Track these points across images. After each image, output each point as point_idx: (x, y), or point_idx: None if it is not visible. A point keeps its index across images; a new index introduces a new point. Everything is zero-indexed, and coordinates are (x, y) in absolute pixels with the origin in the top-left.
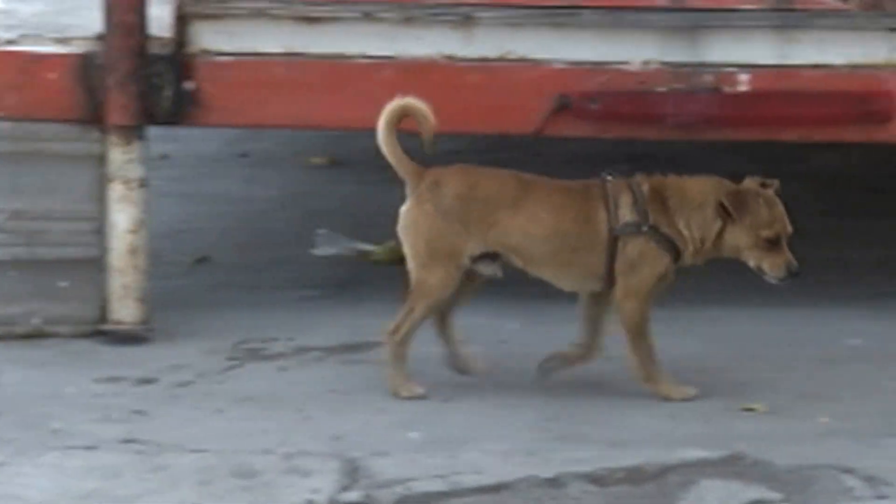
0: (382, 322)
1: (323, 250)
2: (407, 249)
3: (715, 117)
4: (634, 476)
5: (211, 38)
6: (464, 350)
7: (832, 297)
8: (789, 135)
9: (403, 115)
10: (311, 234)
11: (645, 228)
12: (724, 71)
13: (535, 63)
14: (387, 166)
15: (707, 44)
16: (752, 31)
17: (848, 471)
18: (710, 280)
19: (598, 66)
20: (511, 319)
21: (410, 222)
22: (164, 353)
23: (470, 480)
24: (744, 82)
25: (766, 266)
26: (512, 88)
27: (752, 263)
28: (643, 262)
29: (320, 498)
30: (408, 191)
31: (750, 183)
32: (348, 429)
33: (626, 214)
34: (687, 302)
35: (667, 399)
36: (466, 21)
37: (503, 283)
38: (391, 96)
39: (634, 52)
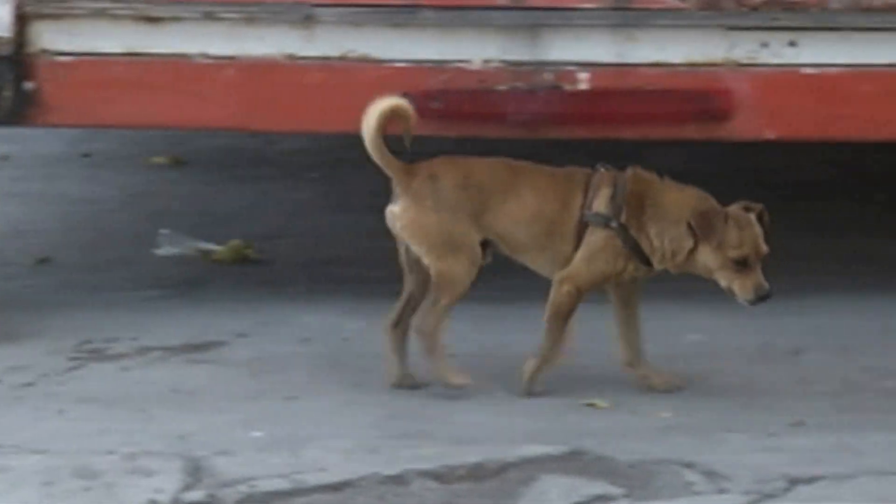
0: (416, 321)
1: (165, 250)
2: (416, 247)
3: (555, 115)
4: (476, 473)
5: (51, 37)
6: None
7: (672, 292)
8: (629, 132)
9: (392, 116)
10: (154, 234)
11: (614, 224)
12: (564, 69)
13: (377, 62)
14: (231, 165)
15: (547, 42)
16: (592, 29)
17: (689, 465)
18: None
19: (439, 65)
20: (355, 318)
21: (411, 221)
22: (6, 354)
23: (313, 478)
24: (583, 80)
25: (735, 287)
26: (354, 87)
27: (722, 284)
28: (599, 256)
29: (163, 498)
30: (397, 190)
31: (734, 207)
32: (191, 428)
33: (601, 205)
34: (532, 298)
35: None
36: (307, 20)
37: (346, 281)
38: (233, 96)
39: (475, 50)
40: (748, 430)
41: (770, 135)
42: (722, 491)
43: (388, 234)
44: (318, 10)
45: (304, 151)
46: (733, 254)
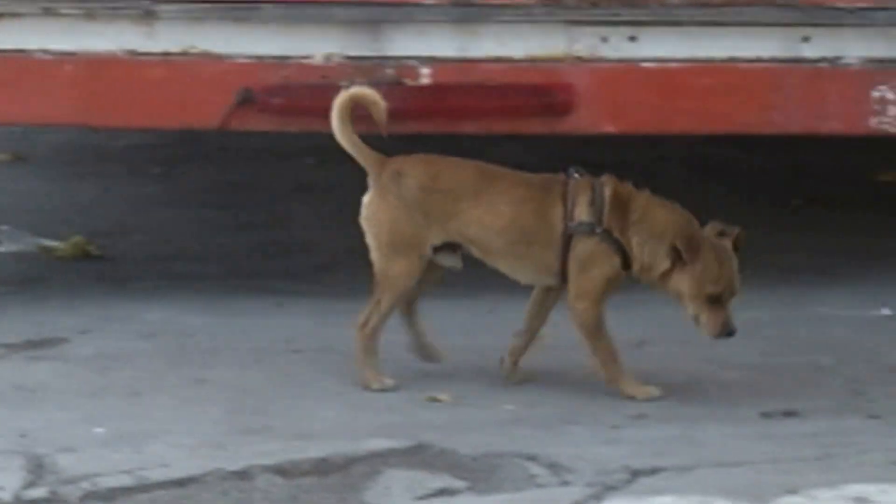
0: (352, 315)
1: (6, 247)
2: (369, 240)
3: (397, 110)
4: (321, 467)
5: None
6: (428, 339)
7: (512, 287)
8: (471, 127)
9: (354, 105)
10: None
11: (598, 230)
12: (405, 64)
13: (218, 57)
14: (72, 162)
15: (389, 37)
16: (434, 24)
17: (532, 458)
18: None
19: (280, 60)
20: (198, 314)
21: (372, 213)
22: None
23: (157, 475)
24: (425, 75)
25: (703, 319)
26: (195, 83)
27: (690, 312)
28: (593, 263)
29: (5, 495)
30: (369, 181)
31: (709, 230)
32: (33, 425)
33: (582, 213)
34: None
35: (631, 399)
36: (148, 16)
37: (189, 277)
38: (73, 91)
39: (317, 45)
40: (591, 423)
41: (611, 129)
42: (565, 483)
43: (231, 230)
44: (159, 6)
45: (147, 147)
46: (710, 289)
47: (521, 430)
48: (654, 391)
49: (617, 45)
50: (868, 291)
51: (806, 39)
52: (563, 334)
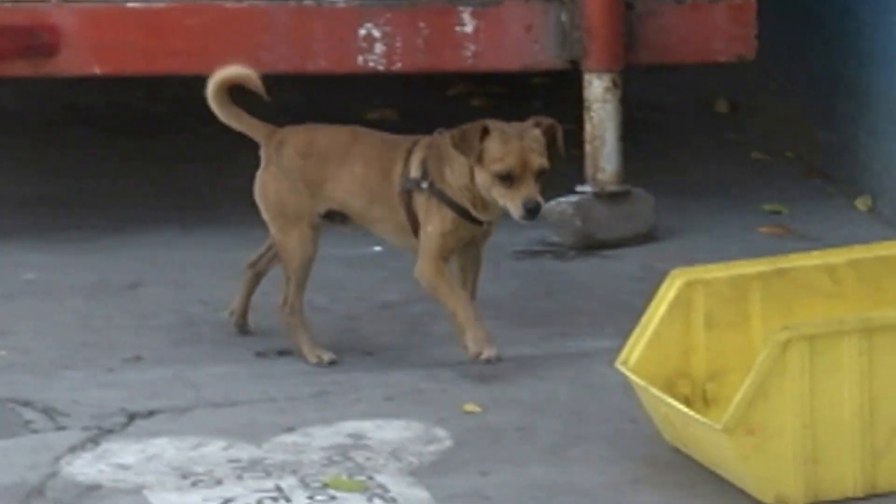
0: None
1: None
2: (264, 215)
3: None
4: None
5: None
6: None
7: (7, 231)
8: None
9: (228, 83)
10: None
11: (424, 185)
12: None
13: None
14: None
15: None
16: None
17: (26, 404)
18: None
19: None
20: None
21: (261, 185)
22: None
23: None
24: None
25: (507, 204)
26: None
27: (500, 204)
28: (427, 219)
29: None
30: (261, 154)
31: (528, 122)
32: None
33: (413, 170)
34: None
35: (476, 356)
36: None
37: None
38: None
39: None
40: (86, 367)
41: (98, 70)
42: (61, 428)
43: None
44: None
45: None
46: (497, 167)
47: (15, 376)
48: (495, 352)
49: None
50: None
51: None
52: (54, 279)
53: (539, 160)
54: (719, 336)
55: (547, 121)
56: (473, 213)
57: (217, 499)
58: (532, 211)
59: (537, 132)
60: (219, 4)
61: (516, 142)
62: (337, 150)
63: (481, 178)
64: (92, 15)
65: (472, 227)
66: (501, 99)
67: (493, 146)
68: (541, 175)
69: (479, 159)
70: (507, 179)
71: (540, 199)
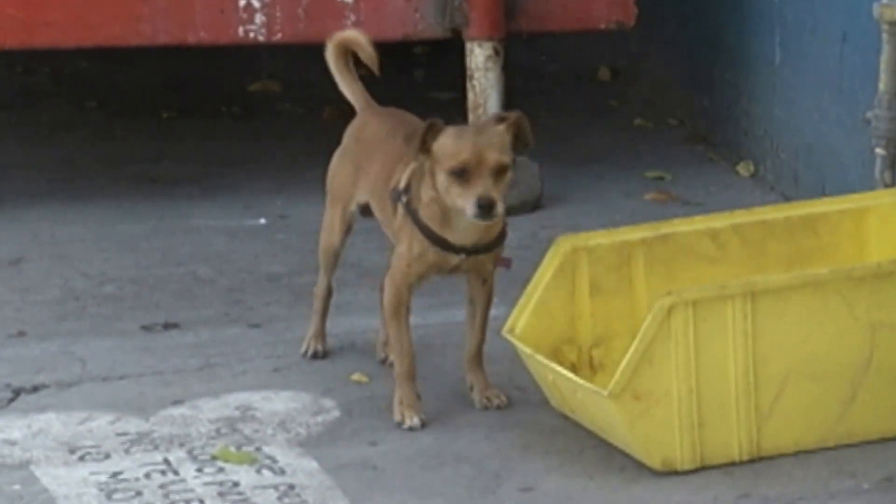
0: None
1: None
2: None
3: None
4: None
5: None
6: None
7: None
8: None
9: (344, 47)
10: None
11: (403, 200)
12: None
13: None
14: None
15: None
16: None
17: None
18: None
19: None
20: None
21: (333, 159)
22: None
23: None
24: None
25: (462, 203)
26: None
27: (458, 206)
28: (398, 239)
29: None
30: None
31: (490, 117)
32: None
33: (403, 181)
34: None
35: (400, 422)
36: None
37: None
38: None
39: None
40: None
41: None
42: None
43: None
44: None
45: None
46: (449, 163)
47: None
48: (417, 421)
49: None
50: (243, 202)
51: None
52: None
53: (496, 156)
54: (604, 302)
55: (512, 115)
56: (440, 233)
57: (105, 472)
58: (483, 208)
59: (500, 128)
60: None
61: (471, 137)
62: (374, 142)
63: (439, 180)
64: None
65: (445, 255)
66: (383, 69)
67: (447, 142)
68: (500, 172)
69: (436, 159)
70: (462, 176)
71: (495, 195)
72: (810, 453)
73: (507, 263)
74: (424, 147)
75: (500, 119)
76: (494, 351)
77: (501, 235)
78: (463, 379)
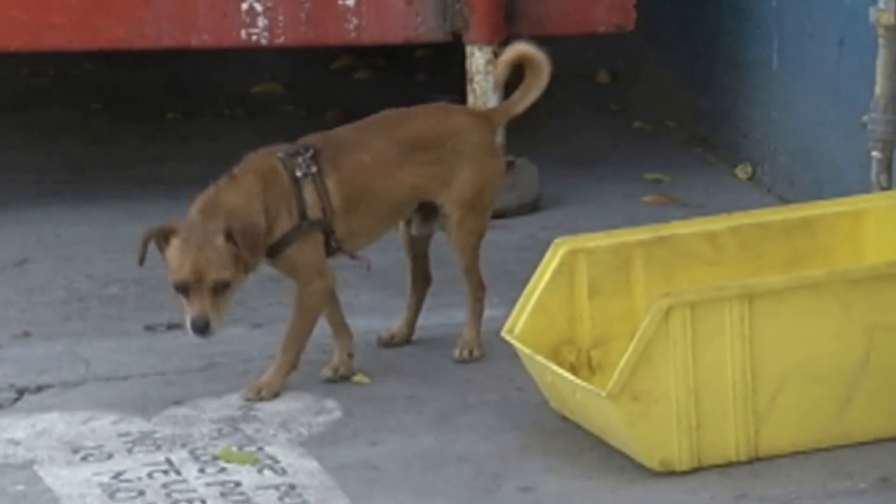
0: None
1: None
2: None
3: None
4: None
5: None
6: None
7: None
8: None
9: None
10: None
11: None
12: None
13: None
14: None
15: None
16: None
17: None
18: None
19: None
20: None
21: None
22: None
23: None
24: None
25: (183, 316)
26: None
27: (183, 318)
28: None
29: None
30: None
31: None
32: None
33: None
34: None
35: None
36: None
37: None
38: None
39: None
40: None
41: None
42: None
43: None
44: None
45: None
46: (171, 279)
47: None
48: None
49: None
50: None
51: None
52: None
53: (215, 273)
54: (603, 303)
55: (234, 226)
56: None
57: (108, 472)
58: (197, 328)
59: (221, 243)
60: None
61: (193, 253)
62: None
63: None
64: None
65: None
66: (385, 72)
67: (171, 255)
68: (220, 288)
69: (166, 266)
70: (183, 291)
71: (211, 315)
72: (807, 454)
73: (365, 264)
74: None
75: (225, 230)
76: (494, 351)
77: (285, 238)
78: (464, 379)
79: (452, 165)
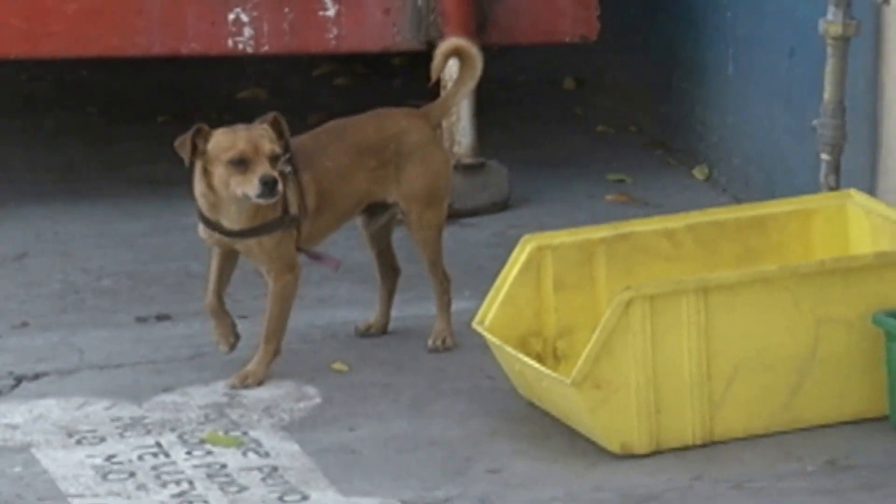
0: None
1: None
2: None
3: None
4: None
5: None
6: None
7: None
8: None
9: (450, 54)
10: None
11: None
12: None
13: None
14: None
15: None
16: None
17: None
18: None
19: None
20: None
21: None
22: None
23: None
24: None
25: (245, 190)
26: None
27: (238, 193)
28: None
29: None
30: None
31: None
32: None
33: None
34: None
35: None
36: None
37: None
38: None
39: None
40: None
41: None
42: None
43: None
44: None
45: None
46: (228, 155)
47: None
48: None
49: None
50: None
51: None
52: None
53: (269, 145)
54: (568, 297)
55: (270, 115)
56: (209, 216)
57: (101, 455)
58: (268, 184)
59: (265, 125)
60: None
61: (244, 132)
62: None
63: (218, 174)
64: None
65: (222, 237)
66: (364, 78)
67: (221, 139)
68: (274, 160)
69: (209, 157)
70: (242, 165)
71: (276, 175)
72: (759, 438)
73: (333, 264)
74: (195, 150)
75: (261, 121)
76: (466, 342)
77: (268, 225)
78: (437, 368)
79: (398, 165)
